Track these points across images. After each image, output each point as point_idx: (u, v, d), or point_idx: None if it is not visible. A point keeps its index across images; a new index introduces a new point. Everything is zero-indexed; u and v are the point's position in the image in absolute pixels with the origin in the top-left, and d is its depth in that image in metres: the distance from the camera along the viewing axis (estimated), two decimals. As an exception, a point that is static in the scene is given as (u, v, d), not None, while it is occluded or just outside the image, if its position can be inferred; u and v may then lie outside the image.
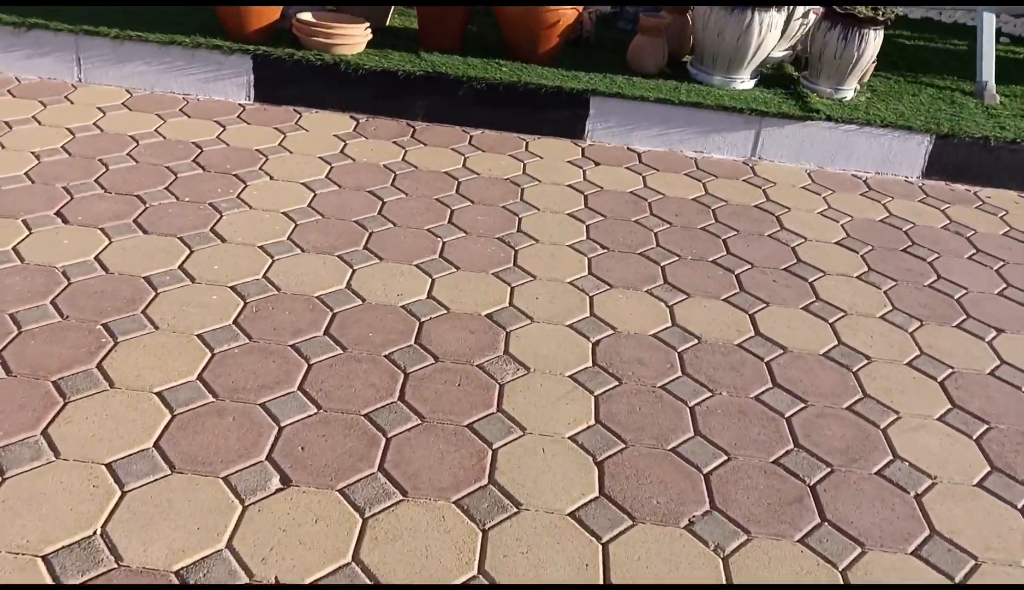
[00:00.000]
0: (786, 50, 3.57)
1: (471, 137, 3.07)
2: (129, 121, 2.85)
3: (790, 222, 2.72)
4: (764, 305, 2.23)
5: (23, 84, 3.03)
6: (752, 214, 2.75)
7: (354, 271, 2.18)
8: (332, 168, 2.71)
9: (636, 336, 2.04)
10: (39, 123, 2.76)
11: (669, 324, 2.10)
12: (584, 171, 2.91)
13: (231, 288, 2.04)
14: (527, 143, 3.07)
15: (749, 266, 2.42)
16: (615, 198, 2.75)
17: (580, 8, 3.19)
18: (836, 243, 2.61)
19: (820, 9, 3.38)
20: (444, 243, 2.36)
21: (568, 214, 2.61)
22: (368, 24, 3.15)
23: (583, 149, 3.09)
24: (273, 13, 3.08)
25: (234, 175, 2.59)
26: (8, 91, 2.96)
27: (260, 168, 2.65)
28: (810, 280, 2.38)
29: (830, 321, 2.20)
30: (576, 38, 3.48)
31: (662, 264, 2.38)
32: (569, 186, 2.79)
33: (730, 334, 2.09)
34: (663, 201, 2.76)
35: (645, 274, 2.31)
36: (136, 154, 2.64)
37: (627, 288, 2.24)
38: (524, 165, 2.90)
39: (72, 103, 2.94)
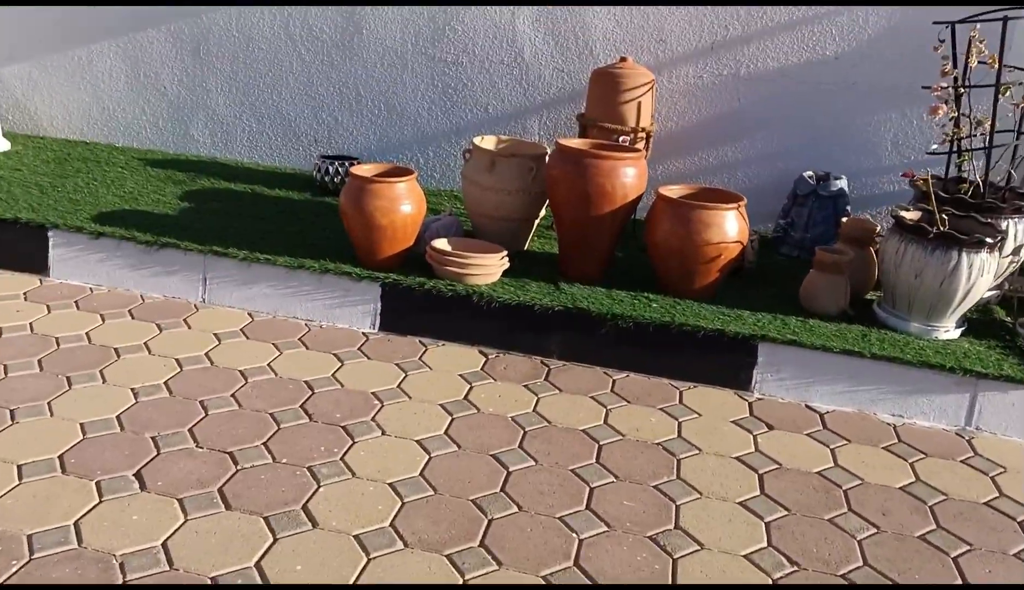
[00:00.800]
0: (992, 290, 3.01)
1: (614, 382, 2.64)
2: (243, 352, 2.62)
3: (1038, 529, 2.05)
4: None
5: (146, 304, 2.91)
6: (985, 517, 2.10)
7: (465, 583, 1.71)
8: (453, 420, 2.33)
9: None
10: (149, 352, 2.56)
11: None
12: (755, 437, 2.39)
13: (313, 600, 1.61)
14: (681, 393, 2.60)
15: (997, 604, 1.77)
16: (799, 481, 2.19)
17: (744, 240, 2.80)
18: (1114, 570, 1.92)
19: (1037, 245, 2.84)
20: (581, 542, 1.87)
21: (739, 503, 2.06)
22: (505, 253, 2.87)
23: (750, 405, 2.57)
24: (407, 239, 2.86)
25: (342, 427, 2.24)
26: (129, 311, 2.83)
27: (373, 418, 2.30)
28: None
29: None
30: (737, 268, 3.06)
31: (873, 593, 1.77)
32: (738, 459, 2.26)
33: None
34: (863, 490, 2.17)
35: (852, 610, 1.71)
36: (241, 395, 2.36)
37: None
38: (679, 424, 2.41)
39: (189, 328, 2.76)
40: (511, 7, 3.67)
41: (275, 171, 4.04)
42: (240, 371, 2.50)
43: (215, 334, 2.73)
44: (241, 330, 2.78)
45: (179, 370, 2.47)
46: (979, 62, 2.71)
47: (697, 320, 2.67)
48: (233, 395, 2.36)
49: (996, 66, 2.71)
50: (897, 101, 3.45)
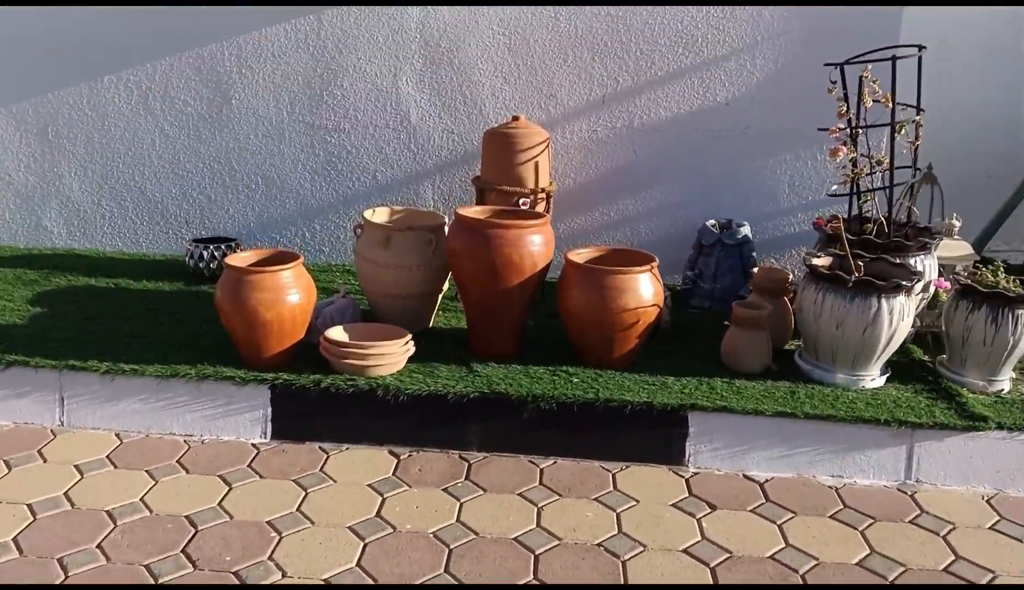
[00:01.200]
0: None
1: (542, 472, 2.41)
2: (110, 486, 2.24)
3: (1001, 592, 1.94)
4: None
5: (-9, 435, 2.48)
6: (948, 586, 1.98)
7: None
8: (366, 547, 2.03)
9: None
10: (-8, 501, 2.15)
11: None
12: (699, 521, 2.20)
13: None
14: (614, 476, 2.40)
15: None
16: (754, 570, 2.01)
17: (660, 302, 2.65)
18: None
19: (944, 283, 2.82)
20: (530, 687, 1.61)
21: (695, 608, 1.86)
22: (409, 337, 2.61)
23: (687, 482, 2.40)
24: (296, 332, 2.56)
25: (234, 573, 1.91)
26: (-31, 449, 2.40)
27: (270, 557, 1.97)
28: None
29: None
30: (654, 330, 2.91)
31: None
32: (686, 552, 2.07)
33: None
34: (820, 571, 2.01)
35: None
36: (109, 545, 1.99)
37: None
38: (618, 517, 2.20)
39: (44, 461, 2.35)
40: (392, 69, 3.46)
41: (142, 259, 3.65)
42: (108, 512, 2.12)
43: (76, 466, 2.33)
44: (107, 457, 2.39)
45: (31, 519, 2.07)
46: (873, 101, 2.69)
47: (622, 393, 2.48)
48: (99, 545, 1.98)
49: (890, 105, 2.70)
50: (790, 143, 3.43)
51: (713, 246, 3.28)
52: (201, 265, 3.34)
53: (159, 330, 2.83)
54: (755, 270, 2.98)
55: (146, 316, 2.96)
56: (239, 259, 2.57)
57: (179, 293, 3.23)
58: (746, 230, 3.30)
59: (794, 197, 3.48)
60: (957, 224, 3.11)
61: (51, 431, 2.52)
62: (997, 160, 3.82)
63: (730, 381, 2.61)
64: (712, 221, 3.36)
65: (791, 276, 2.90)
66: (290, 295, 2.50)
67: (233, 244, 3.40)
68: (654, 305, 2.60)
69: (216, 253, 3.34)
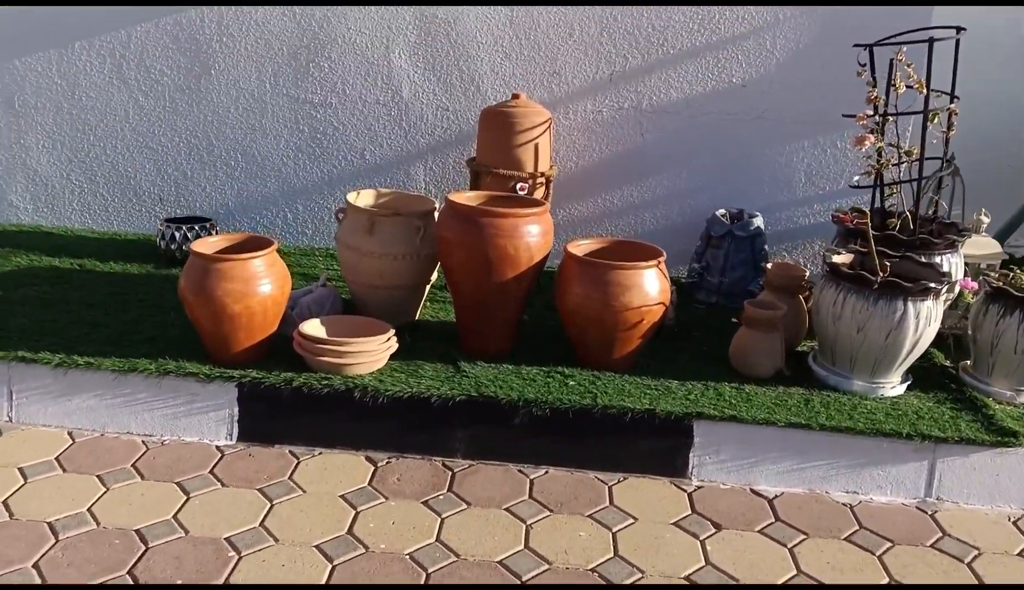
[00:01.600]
0: (929, 331, 2.76)
1: (532, 483, 2.20)
2: (55, 493, 2.03)
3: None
4: None
5: (-68, 431, 2.27)
6: (980, 627, 1.78)
7: None
8: (334, 569, 1.82)
9: None
10: (-77, 508, 1.94)
11: None
12: (702, 543, 2.00)
13: None
14: (611, 490, 2.19)
15: None
16: (762, 605, 1.81)
17: (667, 300, 2.43)
18: None
19: (971, 283, 2.61)
20: None
21: (699, 650, 1.66)
22: (391, 333, 2.40)
23: (690, 496, 2.19)
24: (268, 326, 2.34)
25: (184, 598, 1.70)
26: (-94, 446, 2.19)
27: (225, 582, 1.77)
28: None
29: None
30: (658, 328, 2.70)
31: None
32: (687, 580, 1.86)
33: None
34: (838, 609, 1.81)
35: None
36: (47, 563, 1.78)
37: None
38: (614, 537, 2.00)
39: (-14, 462, 2.15)
40: (384, 40, 3.22)
41: (113, 238, 3.42)
42: (49, 524, 1.91)
43: (20, 469, 2.12)
44: (56, 459, 2.18)
45: (-38, 532, 1.87)
46: (906, 86, 2.46)
47: (622, 399, 2.27)
48: (36, 564, 1.78)
49: (924, 91, 2.47)
50: (809, 129, 3.20)
51: (723, 238, 3.06)
52: (173, 247, 3.12)
53: (123, 318, 2.62)
54: (768, 265, 2.75)
55: (110, 302, 2.74)
56: (206, 245, 2.35)
57: (148, 277, 3.01)
58: (759, 221, 3.08)
59: (811, 187, 3.25)
60: (986, 220, 2.89)
61: (-1, 427, 2.31)
62: (1018, 150, 3.59)
63: (739, 386, 2.40)
64: (722, 211, 3.13)
65: (807, 273, 2.67)
66: (261, 286, 2.27)
67: (208, 225, 3.18)
68: (660, 303, 2.38)
69: (189, 234, 3.12)
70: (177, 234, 3.12)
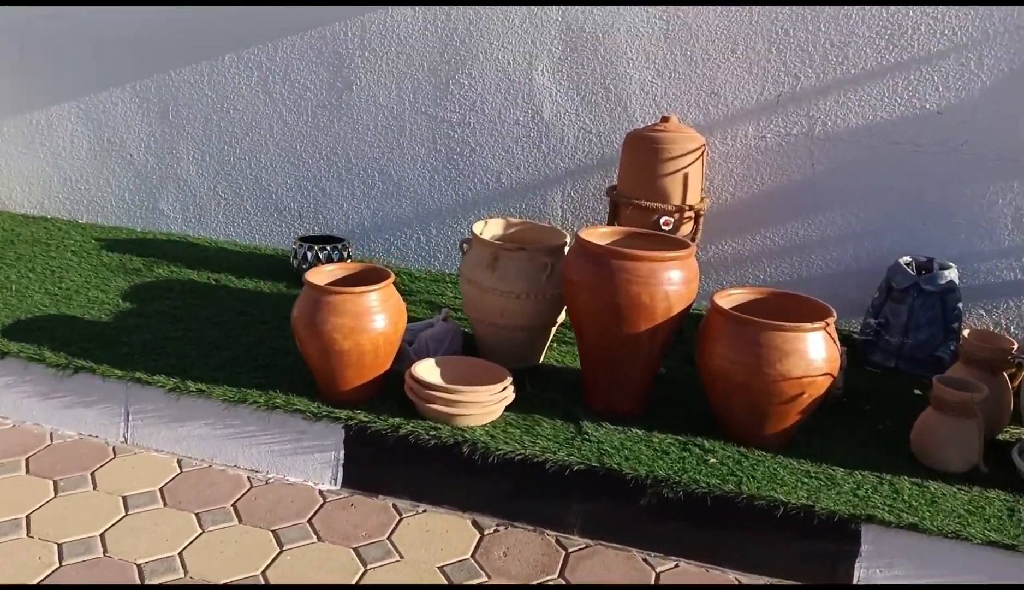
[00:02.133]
0: None
1: (658, 576, 1.90)
2: (151, 529, 1.95)
3: None
4: None
5: (54, 445, 2.27)
6: None
7: None
8: (421, 661, 1.61)
9: None
10: (27, 531, 1.91)
11: None
12: (864, 687, 1.62)
13: None
14: (751, 595, 1.85)
15: None
16: None
17: (835, 370, 2.04)
18: None
19: None
20: None
21: None
22: (508, 382, 2.16)
23: (851, 617, 1.81)
24: (380, 365, 2.18)
25: (255, 679, 1.54)
26: (27, 459, 2.19)
27: (302, 660, 1.60)
28: None
29: None
30: (821, 402, 2.30)
31: None
32: None
33: None
34: None
35: None
36: (126, 613, 1.69)
37: None
38: (751, 662, 1.66)
39: (94, 487, 2.11)
40: (527, 57, 3.00)
41: (254, 252, 3.42)
42: (138, 566, 1.83)
43: (124, 498, 2.07)
44: (160, 490, 2.11)
45: (55, 566, 1.81)
46: None
47: (773, 488, 1.92)
48: (116, 613, 1.69)
49: None
50: (1020, 167, 2.67)
51: (907, 291, 2.60)
52: (305, 266, 3.05)
53: (243, 340, 2.55)
54: (963, 330, 2.29)
55: (235, 322, 2.69)
56: (320, 274, 2.21)
57: (278, 297, 2.95)
58: (952, 274, 2.60)
59: (1019, 235, 2.71)
60: None
61: (112, 449, 2.29)
62: None
63: (921, 483, 1.97)
64: (907, 259, 2.67)
65: (1015, 345, 2.19)
66: (373, 322, 2.11)
67: (340, 245, 3.09)
68: (826, 374, 2.00)
69: (322, 254, 3.04)
70: (309, 254, 3.05)
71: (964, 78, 2.67)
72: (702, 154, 2.62)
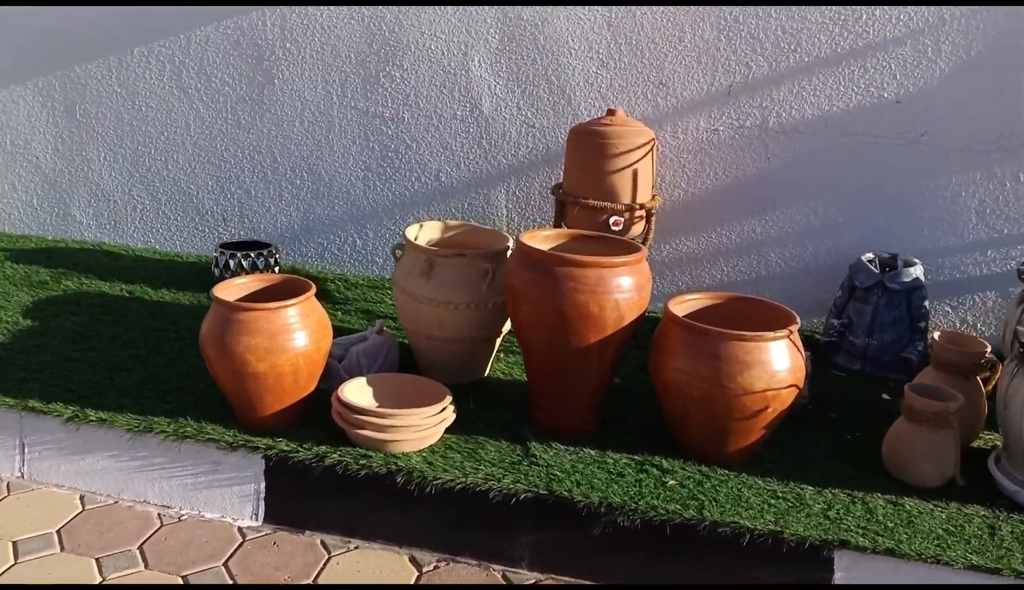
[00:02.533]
0: None
1: (613, 612, 1.72)
2: (43, 578, 1.70)
3: None
4: None
5: (-68, 488, 2.00)
6: None
7: None
8: None
9: None
10: None
11: None
12: None
13: None
14: (716, 631, 1.68)
15: None
16: None
17: (800, 381, 1.89)
18: None
19: None
20: None
21: None
22: (446, 404, 1.96)
23: (824, 652, 1.65)
24: (302, 387, 1.95)
25: None
26: (-103, 507, 1.92)
27: None
28: None
29: None
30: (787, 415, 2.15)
31: None
32: None
33: None
34: None
35: None
36: None
37: None
38: None
39: (-24, 535, 1.85)
40: (462, 46, 2.80)
41: (174, 260, 3.15)
42: (19, 631, 1.58)
43: (14, 543, 1.82)
44: (58, 532, 1.87)
45: (-82, 636, 1.56)
46: None
47: (737, 512, 1.75)
48: None
49: None
50: (983, 157, 2.56)
51: (870, 290, 2.47)
52: (227, 275, 2.79)
53: (154, 361, 2.30)
54: (932, 331, 2.16)
55: (146, 340, 2.43)
56: (231, 288, 1.98)
57: (197, 309, 2.70)
58: (917, 271, 2.47)
59: (984, 229, 2.61)
60: None
61: (7, 485, 2.03)
62: None
63: (895, 500, 1.83)
64: (870, 255, 2.55)
65: (988, 348, 2.06)
66: (292, 340, 1.89)
67: (266, 252, 2.84)
68: (791, 386, 1.84)
69: (244, 262, 2.79)
70: (231, 262, 2.79)
71: (922, 65, 2.55)
72: (652, 149, 2.45)
